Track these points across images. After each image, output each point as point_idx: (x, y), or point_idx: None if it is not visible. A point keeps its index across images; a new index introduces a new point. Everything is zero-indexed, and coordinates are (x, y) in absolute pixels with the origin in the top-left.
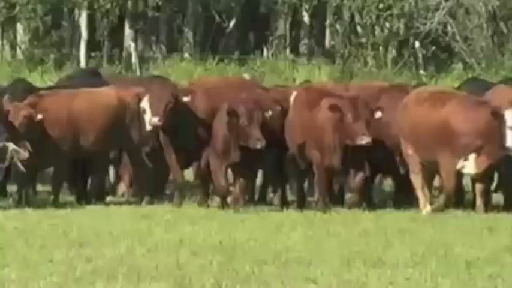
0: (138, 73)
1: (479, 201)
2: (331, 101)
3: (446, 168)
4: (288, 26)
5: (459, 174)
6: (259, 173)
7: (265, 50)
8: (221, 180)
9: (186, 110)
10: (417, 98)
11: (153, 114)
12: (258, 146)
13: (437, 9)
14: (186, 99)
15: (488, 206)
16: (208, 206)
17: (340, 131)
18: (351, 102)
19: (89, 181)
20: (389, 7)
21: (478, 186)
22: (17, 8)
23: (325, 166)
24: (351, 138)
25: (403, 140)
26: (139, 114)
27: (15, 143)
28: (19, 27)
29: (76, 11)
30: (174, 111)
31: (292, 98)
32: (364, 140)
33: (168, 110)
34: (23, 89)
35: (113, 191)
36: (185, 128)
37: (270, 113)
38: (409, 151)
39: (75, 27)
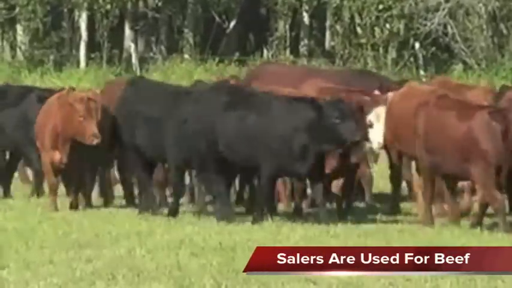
0: (138, 74)
1: None
2: None
3: None
4: (288, 27)
5: None
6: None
7: (265, 51)
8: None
9: None
10: None
11: None
12: None
13: (437, 10)
14: None
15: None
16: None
17: None
18: None
19: None
20: (389, 8)
21: None
22: (17, 9)
23: None
24: None
25: None
26: None
27: None
28: (19, 28)
29: (76, 12)
30: None
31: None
32: None
33: None
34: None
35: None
36: None
37: None
38: None
39: (75, 28)
